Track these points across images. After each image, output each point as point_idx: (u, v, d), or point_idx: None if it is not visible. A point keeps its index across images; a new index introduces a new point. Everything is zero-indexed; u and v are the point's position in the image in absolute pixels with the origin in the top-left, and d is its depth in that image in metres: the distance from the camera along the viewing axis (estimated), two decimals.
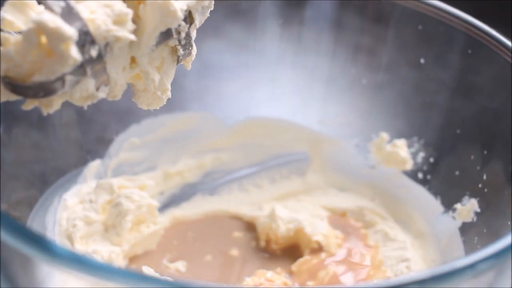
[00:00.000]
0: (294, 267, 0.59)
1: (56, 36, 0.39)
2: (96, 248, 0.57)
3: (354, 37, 0.67)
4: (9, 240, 0.38)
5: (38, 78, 0.40)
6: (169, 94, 0.46)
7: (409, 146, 0.65)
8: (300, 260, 0.59)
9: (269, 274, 0.57)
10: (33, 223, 0.56)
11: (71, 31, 0.39)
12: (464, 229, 0.59)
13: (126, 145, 0.65)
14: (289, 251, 0.61)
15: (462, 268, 0.38)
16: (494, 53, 0.57)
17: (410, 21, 0.63)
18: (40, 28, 0.39)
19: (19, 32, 0.41)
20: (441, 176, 0.63)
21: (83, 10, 0.40)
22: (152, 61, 0.44)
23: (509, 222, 0.52)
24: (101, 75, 0.42)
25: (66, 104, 0.43)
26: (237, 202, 0.66)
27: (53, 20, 0.38)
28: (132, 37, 0.42)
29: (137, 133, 0.65)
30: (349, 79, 0.67)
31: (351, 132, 0.68)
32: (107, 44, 0.41)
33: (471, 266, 0.39)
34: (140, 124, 0.65)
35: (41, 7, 0.41)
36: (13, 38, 0.40)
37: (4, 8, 0.42)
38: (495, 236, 0.50)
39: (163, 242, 0.61)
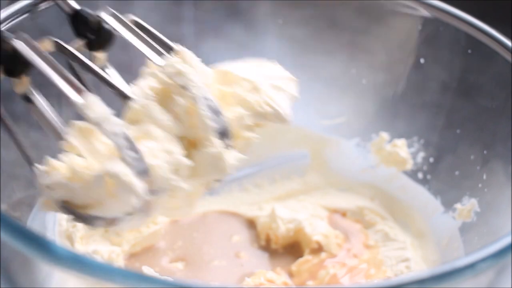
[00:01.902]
0: (294, 267, 0.59)
1: (125, 188, 0.40)
2: (96, 248, 0.57)
3: (354, 37, 0.67)
4: (9, 240, 0.38)
5: (94, 212, 0.41)
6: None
7: (409, 146, 0.65)
8: (300, 260, 0.59)
9: (269, 274, 0.57)
10: (33, 223, 0.55)
11: (141, 188, 0.40)
12: (464, 229, 0.59)
13: None
14: (289, 251, 0.61)
15: (462, 268, 0.38)
16: (494, 53, 0.57)
17: (410, 21, 0.63)
18: (111, 177, 0.40)
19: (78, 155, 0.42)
20: (441, 176, 0.63)
21: (145, 150, 0.41)
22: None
23: (509, 222, 0.51)
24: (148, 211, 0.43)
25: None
26: (237, 202, 0.66)
27: (126, 174, 0.39)
28: (187, 187, 0.43)
29: None
30: (349, 79, 0.67)
31: (351, 132, 0.68)
32: (161, 189, 0.42)
33: (471, 266, 0.39)
34: None
35: (104, 137, 0.42)
36: (77, 167, 0.42)
37: (70, 132, 0.42)
38: (495, 236, 0.50)
39: (163, 242, 0.61)
